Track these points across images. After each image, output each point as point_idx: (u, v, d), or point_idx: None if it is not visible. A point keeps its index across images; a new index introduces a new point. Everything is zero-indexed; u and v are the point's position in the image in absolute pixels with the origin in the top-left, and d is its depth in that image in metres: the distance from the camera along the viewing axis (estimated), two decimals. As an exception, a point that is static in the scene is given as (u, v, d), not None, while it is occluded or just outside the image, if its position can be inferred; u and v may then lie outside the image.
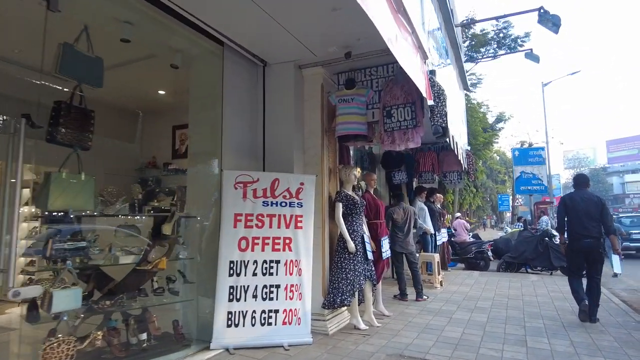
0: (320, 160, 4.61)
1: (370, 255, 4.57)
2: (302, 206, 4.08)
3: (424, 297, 6.09)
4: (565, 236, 5.19)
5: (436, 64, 5.94)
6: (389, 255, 5.25)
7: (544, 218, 11.18)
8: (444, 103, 3.97)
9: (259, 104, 4.69)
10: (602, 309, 5.61)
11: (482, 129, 15.39)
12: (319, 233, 4.51)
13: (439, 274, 7.30)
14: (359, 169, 6.37)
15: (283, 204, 4.02)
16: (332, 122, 4.72)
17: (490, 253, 10.80)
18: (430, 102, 3.76)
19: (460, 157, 7.33)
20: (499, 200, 34.10)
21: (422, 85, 3.58)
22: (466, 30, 15.85)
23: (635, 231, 14.56)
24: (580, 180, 5.23)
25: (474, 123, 15.75)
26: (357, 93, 4.43)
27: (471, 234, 14.04)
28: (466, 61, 15.70)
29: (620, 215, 17.48)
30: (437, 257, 7.26)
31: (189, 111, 4.45)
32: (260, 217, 3.92)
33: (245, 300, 3.79)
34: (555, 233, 11.12)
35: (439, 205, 9.19)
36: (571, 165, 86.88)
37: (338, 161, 5.06)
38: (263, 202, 3.95)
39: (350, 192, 4.65)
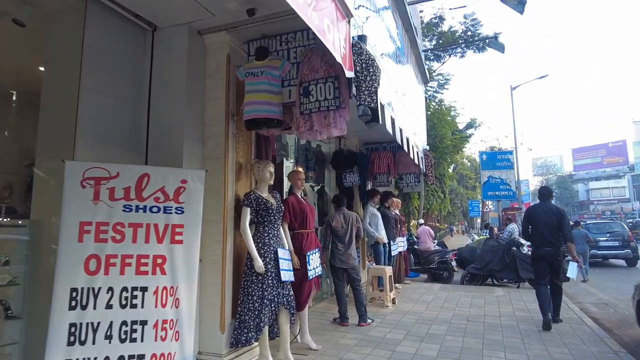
0: (223, 153, 3.57)
1: (287, 276, 3.54)
2: (183, 212, 3.01)
3: (368, 320, 5.11)
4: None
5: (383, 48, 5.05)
6: (319, 273, 4.24)
7: (511, 226, 10.45)
8: (374, 77, 3.01)
9: (144, 79, 3.62)
10: (574, 334, 4.79)
11: (450, 132, 14.71)
12: (219, 248, 3.47)
13: (391, 290, 6.35)
14: (301, 169, 5.42)
15: (155, 209, 2.94)
16: (242, 104, 3.69)
17: (454, 263, 9.97)
18: (349, 74, 2.79)
19: (414, 157, 6.44)
20: (469, 207, 33.90)
21: (336, 49, 2.60)
22: (434, 28, 15.22)
23: (602, 238, 14.11)
24: (543, 192, 5.65)
25: (440, 126, 15.06)
26: (269, 65, 3.42)
27: (436, 241, 13.26)
28: (433, 60, 15.03)
29: (588, 222, 17.11)
30: (389, 270, 6.31)
31: (42, 85, 3.34)
32: (119, 228, 2.82)
33: (93, 343, 2.69)
34: (523, 242, 10.41)
35: (396, 211, 8.28)
36: (540, 173, 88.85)
37: (254, 155, 4.03)
38: (125, 206, 2.86)
39: (263, 194, 3.62)
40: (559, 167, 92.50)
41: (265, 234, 3.51)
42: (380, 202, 7.43)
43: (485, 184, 14.39)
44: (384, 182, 7.57)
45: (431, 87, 15.45)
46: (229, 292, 3.47)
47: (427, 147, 7.62)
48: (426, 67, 15.31)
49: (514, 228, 10.28)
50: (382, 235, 6.74)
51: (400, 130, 4.91)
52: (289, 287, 3.58)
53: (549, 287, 5.28)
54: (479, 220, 43.07)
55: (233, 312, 3.46)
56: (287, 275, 3.51)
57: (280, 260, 3.48)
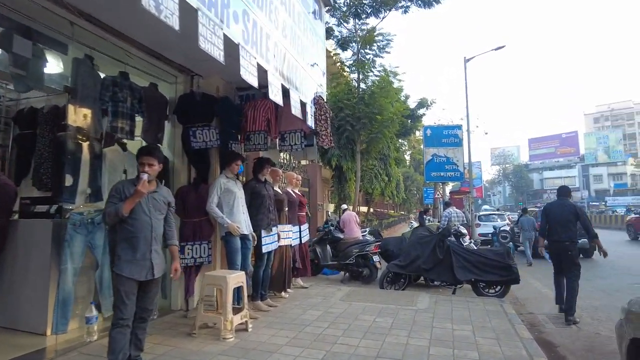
0: None
1: None
2: None
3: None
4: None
5: None
6: None
7: (449, 210, 8.32)
8: None
9: None
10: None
11: (390, 104, 12.41)
12: None
13: (238, 311, 3.93)
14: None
15: None
16: None
17: (376, 258, 7.73)
18: None
19: (293, 107, 4.05)
20: (424, 194, 32.44)
21: None
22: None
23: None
24: (562, 191, 5.92)
25: (380, 94, 12.78)
26: None
27: (367, 229, 11.04)
28: (370, 14, 12.65)
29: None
30: (234, 279, 3.86)
31: None
32: None
33: None
34: (464, 231, 8.31)
35: (290, 189, 5.90)
36: (497, 162, 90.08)
37: None
38: None
39: None
40: (515, 156, 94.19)
41: None
42: (253, 172, 5.02)
43: (428, 163, 12.30)
44: (260, 144, 5.10)
45: (371, 50, 13.11)
46: None
47: (321, 93, 5.19)
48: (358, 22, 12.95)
49: (452, 213, 8.15)
50: (239, 222, 4.33)
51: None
52: None
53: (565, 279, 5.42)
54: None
55: None
56: None
57: None
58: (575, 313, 5.19)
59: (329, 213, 10.58)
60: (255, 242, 4.67)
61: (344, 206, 10.08)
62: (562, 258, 5.42)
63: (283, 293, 5.53)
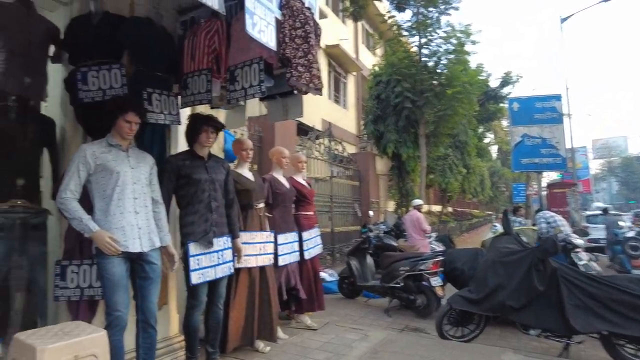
0: None
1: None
2: None
3: None
4: None
5: None
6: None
7: (546, 215, 5.45)
8: None
9: None
10: None
11: (461, 71, 9.60)
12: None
13: None
14: None
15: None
16: None
17: (436, 281, 5.15)
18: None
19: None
20: (514, 190, 28.08)
21: None
22: None
23: None
24: None
25: (450, 62, 10.05)
26: None
27: (434, 235, 8.33)
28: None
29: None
30: (65, 349, 1.74)
31: None
32: None
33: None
34: (576, 241, 5.37)
35: (294, 178, 3.70)
36: (600, 155, 78.92)
37: None
38: None
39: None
40: (623, 148, 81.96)
41: None
42: (188, 141, 2.90)
43: (517, 147, 9.18)
44: (201, 92, 2.92)
45: (435, 7, 10.39)
46: None
47: (311, 7, 2.80)
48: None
49: (553, 217, 5.26)
50: (121, 227, 2.24)
51: None
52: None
53: None
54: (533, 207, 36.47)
55: None
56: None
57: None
58: None
59: (371, 213, 8.13)
60: (175, 266, 2.54)
61: (416, 202, 7.51)
62: None
63: (261, 345, 3.32)
